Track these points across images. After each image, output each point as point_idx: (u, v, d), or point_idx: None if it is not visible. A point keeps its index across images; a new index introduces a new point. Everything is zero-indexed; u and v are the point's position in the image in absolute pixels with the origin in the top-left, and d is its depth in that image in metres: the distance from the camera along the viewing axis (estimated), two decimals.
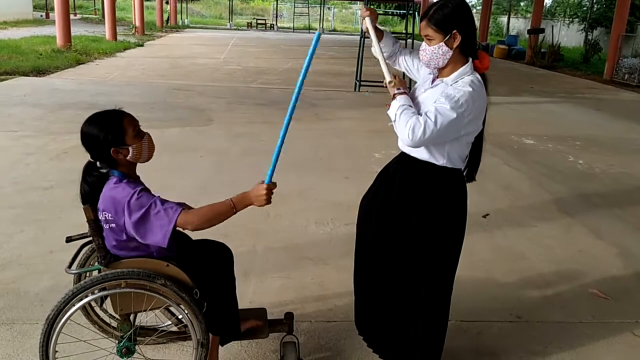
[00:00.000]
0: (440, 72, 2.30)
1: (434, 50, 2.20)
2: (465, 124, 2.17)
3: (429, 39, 2.22)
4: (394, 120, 2.23)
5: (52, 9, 19.68)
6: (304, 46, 24.42)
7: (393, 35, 2.61)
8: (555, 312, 3.28)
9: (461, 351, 2.83)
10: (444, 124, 2.11)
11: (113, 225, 2.07)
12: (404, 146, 2.34)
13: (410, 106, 2.22)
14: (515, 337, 3.00)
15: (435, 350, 2.46)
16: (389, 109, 2.27)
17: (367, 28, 2.40)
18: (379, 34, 2.46)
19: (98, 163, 2.11)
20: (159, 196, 2.06)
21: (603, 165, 6.73)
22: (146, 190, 2.06)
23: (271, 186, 2.12)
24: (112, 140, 2.06)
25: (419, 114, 2.20)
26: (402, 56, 2.56)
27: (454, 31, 2.16)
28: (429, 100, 2.23)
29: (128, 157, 2.10)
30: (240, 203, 2.09)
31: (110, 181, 2.09)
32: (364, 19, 2.41)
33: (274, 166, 2.13)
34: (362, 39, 11.42)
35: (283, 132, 2.09)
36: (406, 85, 2.32)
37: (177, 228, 2.02)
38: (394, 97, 2.27)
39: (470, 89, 2.15)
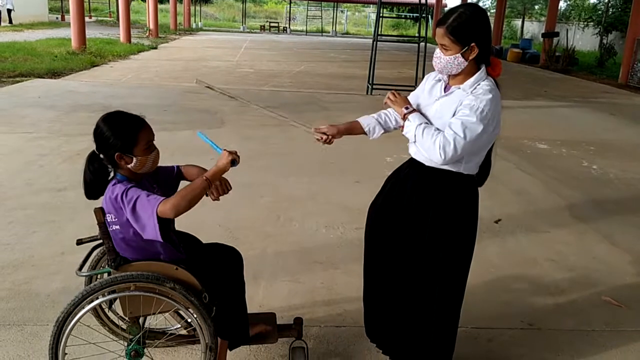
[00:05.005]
0: (452, 78, 2.27)
1: (449, 60, 2.17)
2: (491, 132, 2.16)
3: (445, 48, 2.17)
4: (415, 141, 2.21)
5: (68, 12, 19.92)
6: (316, 49, 24.50)
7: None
8: (567, 319, 3.24)
9: (472, 358, 2.80)
10: (473, 137, 2.09)
11: (117, 226, 2.09)
12: (417, 154, 2.31)
13: (427, 123, 2.21)
14: (527, 345, 2.97)
15: (446, 353, 2.45)
16: (403, 131, 2.26)
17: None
18: (357, 126, 2.56)
19: (101, 155, 2.13)
20: (146, 191, 2.06)
21: (617, 171, 6.65)
22: (136, 186, 2.07)
23: (229, 150, 2.16)
24: (120, 146, 2.07)
25: (437, 127, 2.18)
26: (393, 114, 2.50)
27: (472, 44, 2.12)
28: (446, 109, 2.20)
29: (129, 166, 2.11)
30: (212, 174, 2.15)
31: (110, 183, 2.11)
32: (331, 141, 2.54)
33: (212, 142, 2.29)
34: (375, 42, 11.42)
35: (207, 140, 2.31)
36: (408, 100, 2.32)
37: (162, 216, 2.00)
38: (404, 118, 2.25)
39: (491, 96, 2.13)
